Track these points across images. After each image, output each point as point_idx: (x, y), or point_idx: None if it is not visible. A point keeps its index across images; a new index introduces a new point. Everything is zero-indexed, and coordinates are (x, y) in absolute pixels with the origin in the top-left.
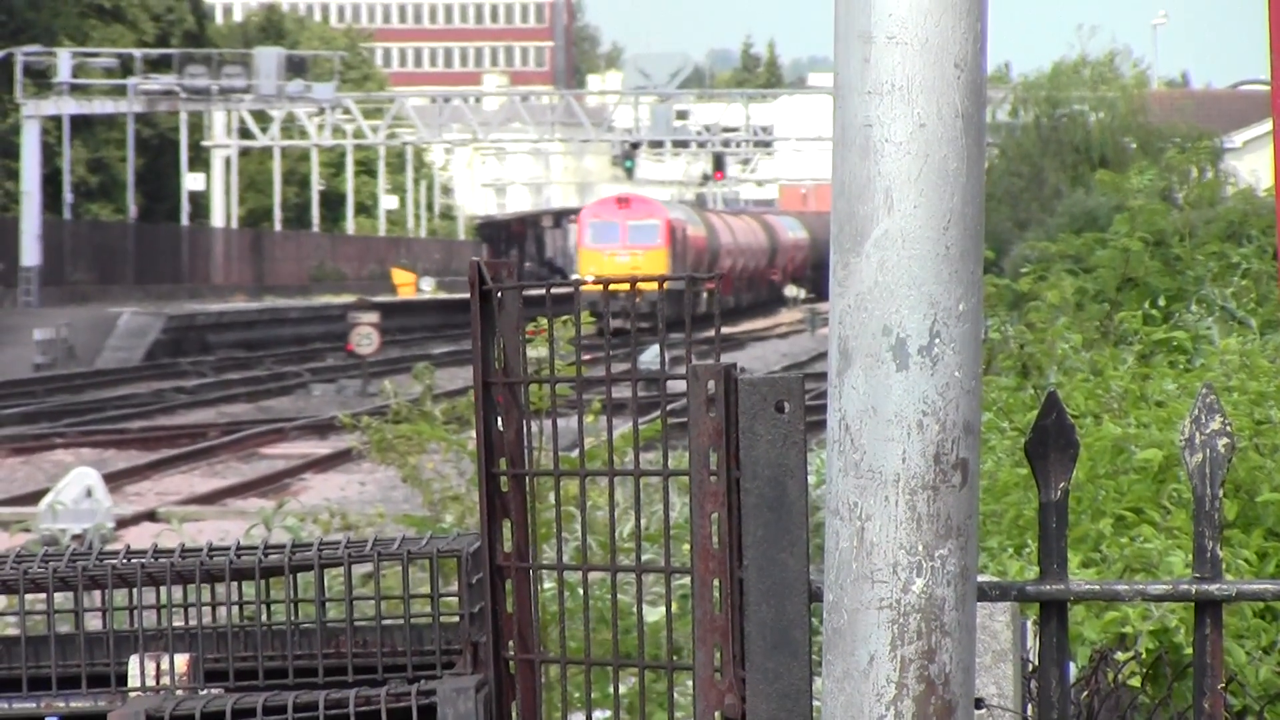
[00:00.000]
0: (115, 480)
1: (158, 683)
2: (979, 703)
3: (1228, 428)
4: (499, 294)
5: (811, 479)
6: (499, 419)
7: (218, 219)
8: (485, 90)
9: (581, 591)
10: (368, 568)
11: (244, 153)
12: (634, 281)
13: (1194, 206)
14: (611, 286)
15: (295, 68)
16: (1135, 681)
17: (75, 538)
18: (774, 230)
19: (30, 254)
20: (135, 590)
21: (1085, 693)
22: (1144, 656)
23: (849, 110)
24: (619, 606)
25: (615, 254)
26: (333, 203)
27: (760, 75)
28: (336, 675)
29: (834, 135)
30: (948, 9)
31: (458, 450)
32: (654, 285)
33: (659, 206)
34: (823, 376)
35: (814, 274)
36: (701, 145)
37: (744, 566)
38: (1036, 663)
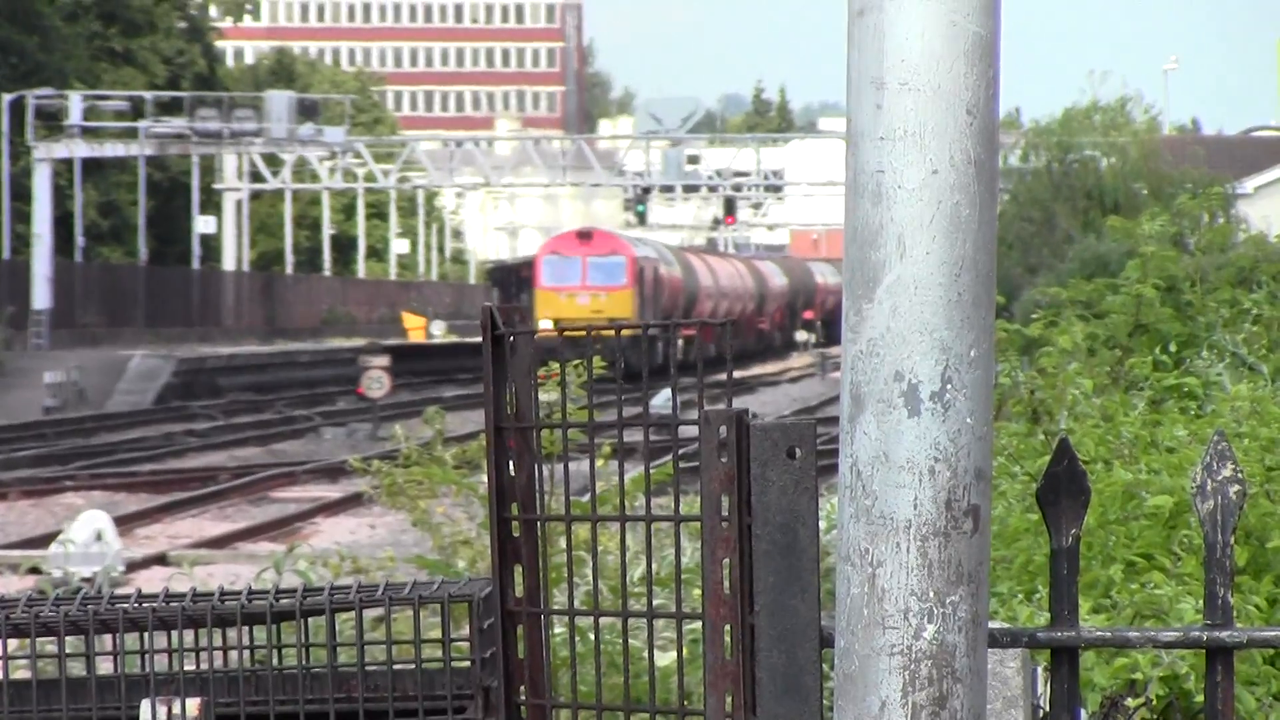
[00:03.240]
0: (125, 523)
1: None
2: None
3: (1239, 474)
4: (511, 339)
5: (822, 524)
6: (511, 463)
7: (229, 262)
8: (497, 135)
9: (593, 636)
10: (379, 612)
11: (255, 196)
12: (647, 327)
13: (1205, 252)
14: (577, 330)
15: (306, 111)
16: None
17: (85, 580)
18: (762, 276)
19: (41, 296)
20: (147, 634)
21: None
22: (1154, 703)
23: (861, 156)
24: (630, 651)
25: (575, 295)
26: (344, 246)
27: (772, 120)
28: None
29: (846, 181)
30: (960, 55)
31: (468, 494)
32: (659, 330)
33: (624, 243)
34: (834, 421)
35: (789, 320)
36: (713, 190)
37: (755, 612)
38: (1047, 709)
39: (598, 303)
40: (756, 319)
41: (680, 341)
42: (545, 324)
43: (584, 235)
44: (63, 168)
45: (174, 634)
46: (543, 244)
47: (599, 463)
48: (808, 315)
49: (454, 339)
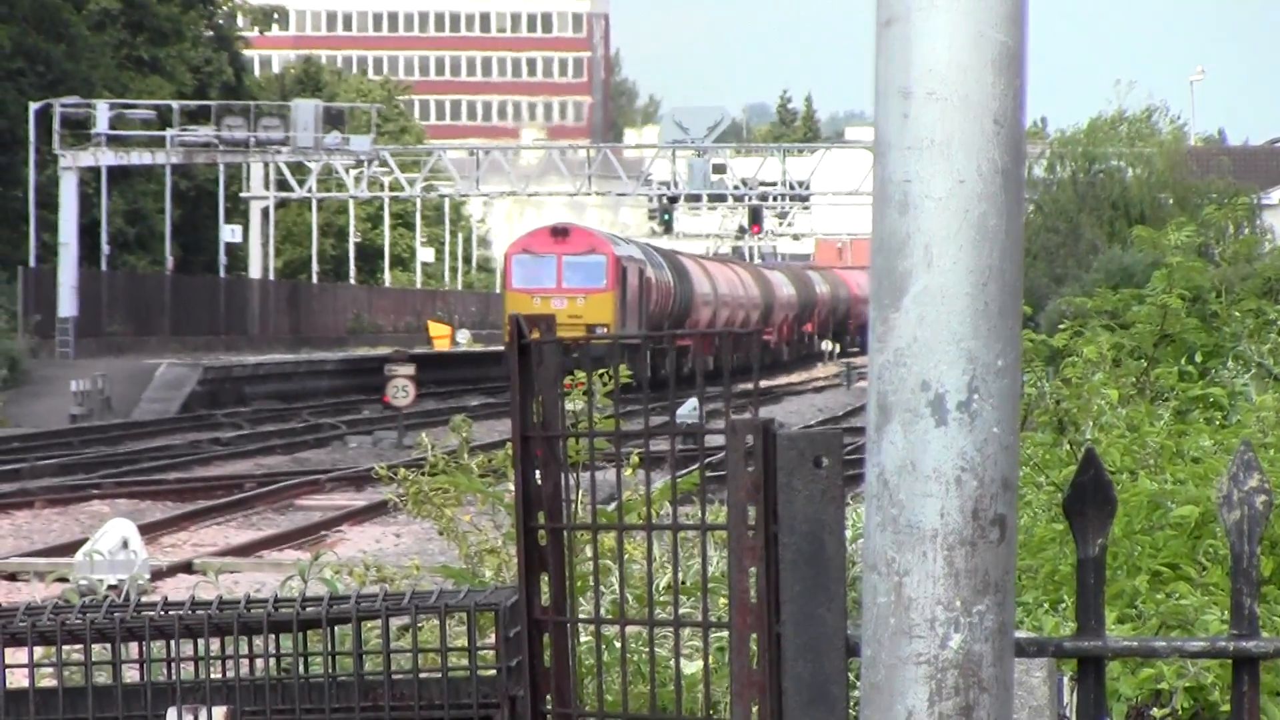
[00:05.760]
0: (151, 531)
1: None
2: None
3: (1265, 485)
4: (538, 348)
5: (848, 533)
6: (537, 472)
7: (255, 271)
8: (523, 144)
9: (618, 645)
10: (405, 620)
11: (281, 205)
12: (675, 336)
13: (1231, 263)
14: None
15: (332, 120)
16: None
17: (111, 589)
18: (769, 285)
19: (67, 305)
20: (173, 642)
21: None
22: (1180, 713)
23: (889, 166)
24: (656, 660)
25: (549, 298)
26: (369, 255)
27: (797, 129)
28: None
29: (874, 191)
30: (987, 65)
31: (494, 503)
32: (689, 340)
33: (603, 240)
34: (860, 430)
35: (797, 332)
36: (739, 199)
37: (782, 621)
38: (1074, 719)
39: (575, 307)
40: (762, 330)
41: (674, 353)
42: None
43: (559, 231)
44: (89, 176)
45: (200, 642)
46: (513, 240)
47: (625, 472)
48: (808, 328)
49: (480, 348)
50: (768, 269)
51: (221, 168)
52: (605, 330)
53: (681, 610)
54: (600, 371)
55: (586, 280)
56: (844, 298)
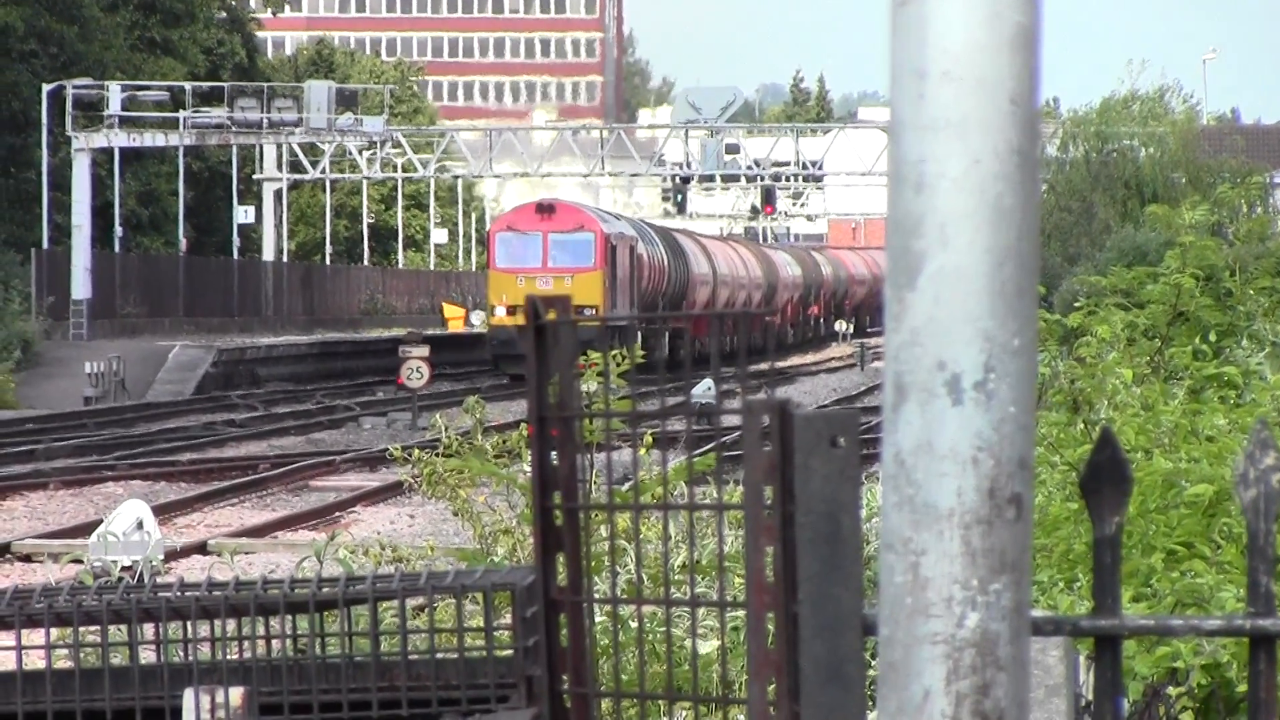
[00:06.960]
0: (166, 512)
1: (212, 716)
2: None
3: None
4: (554, 328)
5: (863, 512)
6: (553, 453)
7: (268, 252)
8: (535, 125)
9: (634, 625)
10: (421, 601)
11: (294, 186)
12: (699, 317)
13: (1245, 242)
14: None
15: (345, 101)
16: (1188, 717)
17: (126, 570)
18: (773, 265)
19: (81, 287)
20: (189, 623)
21: None
22: (1196, 692)
23: (904, 146)
24: (672, 640)
25: (534, 278)
26: (383, 236)
27: (810, 109)
28: (391, 709)
29: (889, 171)
30: (1003, 44)
31: (508, 484)
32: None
33: (591, 216)
34: (875, 410)
35: (802, 315)
36: (751, 180)
37: (798, 601)
38: (1090, 698)
39: (562, 287)
40: (770, 312)
41: (686, 335)
42: (500, 311)
43: (544, 208)
44: (102, 158)
45: (216, 623)
46: (497, 218)
47: (640, 452)
48: (813, 310)
49: None
50: (770, 249)
51: (234, 149)
52: (594, 311)
53: (697, 590)
54: (614, 353)
55: (574, 259)
56: (842, 278)
